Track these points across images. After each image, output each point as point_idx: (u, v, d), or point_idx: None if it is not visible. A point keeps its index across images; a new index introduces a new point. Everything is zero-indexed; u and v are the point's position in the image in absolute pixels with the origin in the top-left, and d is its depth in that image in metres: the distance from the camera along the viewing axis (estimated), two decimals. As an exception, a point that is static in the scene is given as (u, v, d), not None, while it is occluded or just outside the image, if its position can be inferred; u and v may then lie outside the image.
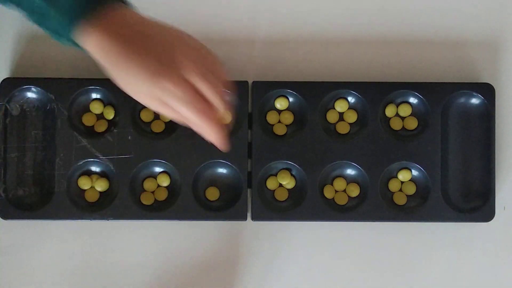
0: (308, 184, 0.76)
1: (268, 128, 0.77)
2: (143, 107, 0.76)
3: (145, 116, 0.77)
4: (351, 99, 0.77)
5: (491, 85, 0.76)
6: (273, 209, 0.76)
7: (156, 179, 0.76)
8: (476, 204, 0.76)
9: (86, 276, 0.77)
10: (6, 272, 0.77)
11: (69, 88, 0.75)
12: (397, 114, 0.78)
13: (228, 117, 0.69)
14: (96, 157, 0.75)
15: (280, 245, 0.78)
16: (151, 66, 0.58)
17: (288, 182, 0.76)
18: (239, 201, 0.75)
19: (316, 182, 0.76)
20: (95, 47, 0.59)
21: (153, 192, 0.76)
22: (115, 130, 0.75)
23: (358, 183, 0.77)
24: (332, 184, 0.77)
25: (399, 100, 0.78)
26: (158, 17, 0.78)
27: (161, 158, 0.75)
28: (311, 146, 0.76)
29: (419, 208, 0.76)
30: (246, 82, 0.76)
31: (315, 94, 0.76)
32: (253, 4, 0.79)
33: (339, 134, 0.77)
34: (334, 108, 0.77)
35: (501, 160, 0.78)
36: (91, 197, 0.76)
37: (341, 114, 0.78)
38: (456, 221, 0.76)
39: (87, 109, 0.76)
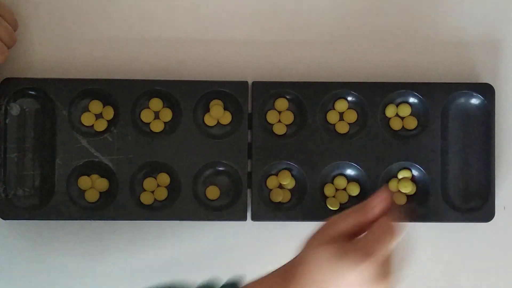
0: (308, 184, 0.76)
1: (268, 128, 0.77)
2: (143, 107, 0.77)
3: (145, 116, 0.77)
4: (351, 99, 0.77)
5: (491, 85, 0.76)
6: (273, 209, 0.76)
7: (156, 179, 0.76)
8: (476, 204, 0.76)
9: (86, 276, 0.77)
10: (6, 272, 0.77)
11: (69, 88, 0.75)
12: (396, 114, 0.78)
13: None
14: (96, 157, 0.75)
15: (280, 245, 0.78)
16: None
17: (288, 182, 0.76)
18: (239, 201, 0.75)
19: (316, 182, 0.76)
20: None
21: (153, 192, 0.77)
22: (115, 130, 0.75)
23: (358, 183, 0.77)
24: (332, 183, 0.77)
25: (399, 100, 0.78)
26: (159, 17, 0.78)
27: (161, 158, 0.75)
28: (311, 146, 0.76)
29: (419, 208, 0.76)
30: (246, 82, 0.76)
31: (315, 94, 0.76)
32: (253, 4, 0.79)
33: (339, 134, 0.77)
34: (334, 108, 0.77)
35: (501, 160, 0.78)
36: (91, 197, 0.76)
37: (341, 114, 0.78)
38: (456, 221, 0.76)
39: (86, 109, 0.76)
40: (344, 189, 0.77)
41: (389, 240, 0.60)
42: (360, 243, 0.59)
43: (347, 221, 0.62)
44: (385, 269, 0.60)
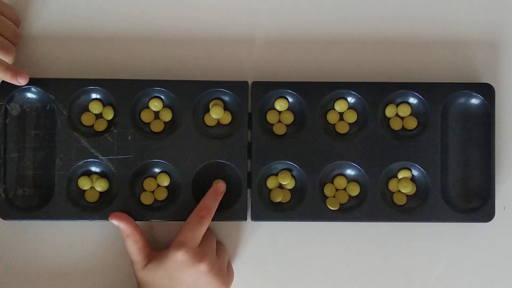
0: (308, 184, 0.76)
1: (268, 128, 0.77)
2: (143, 107, 0.77)
3: (145, 116, 0.77)
4: (351, 99, 0.77)
5: (491, 85, 0.76)
6: (273, 209, 0.76)
7: (156, 179, 0.77)
8: (476, 204, 0.76)
9: (87, 276, 0.77)
10: (6, 272, 0.77)
11: (69, 88, 0.75)
12: (397, 114, 0.78)
13: None
14: (96, 157, 0.75)
15: (280, 245, 0.78)
16: None
17: (288, 182, 0.76)
18: (239, 201, 0.75)
19: (316, 182, 0.76)
20: None
21: (153, 192, 0.77)
22: (114, 130, 0.75)
23: (358, 183, 0.77)
24: (332, 183, 0.77)
25: (399, 100, 0.78)
26: (159, 16, 0.78)
27: (161, 158, 0.75)
28: (311, 146, 0.76)
29: (419, 208, 0.76)
30: (246, 82, 0.76)
31: (315, 94, 0.76)
32: (253, 4, 0.79)
33: (339, 134, 0.77)
34: (334, 108, 0.78)
35: (501, 160, 0.78)
36: (91, 197, 0.76)
37: (341, 114, 0.78)
38: (456, 221, 0.76)
39: (86, 109, 0.76)
40: (344, 189, 0.77)
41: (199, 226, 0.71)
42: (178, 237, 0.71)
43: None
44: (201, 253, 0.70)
